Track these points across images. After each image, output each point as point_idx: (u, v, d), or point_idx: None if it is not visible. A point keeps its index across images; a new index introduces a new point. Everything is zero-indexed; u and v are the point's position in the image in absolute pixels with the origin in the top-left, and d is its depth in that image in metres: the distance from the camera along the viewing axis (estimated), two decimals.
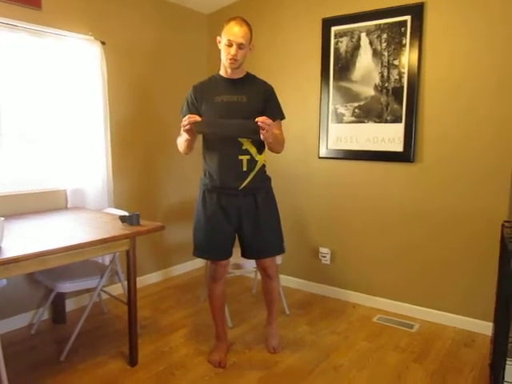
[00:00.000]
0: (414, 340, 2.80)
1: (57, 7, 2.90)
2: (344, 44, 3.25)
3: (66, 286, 2.53)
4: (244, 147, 2.29)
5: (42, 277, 2.60)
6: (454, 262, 2.96)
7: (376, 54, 3.11)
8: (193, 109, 2.35)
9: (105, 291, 2.90)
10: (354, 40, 3.20)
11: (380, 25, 3.06)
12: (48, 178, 3.04)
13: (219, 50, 2.30)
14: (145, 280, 3.66)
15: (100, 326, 2.96)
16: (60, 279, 2.52)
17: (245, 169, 2.31)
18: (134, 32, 3.46)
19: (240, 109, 2.27)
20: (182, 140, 2.33)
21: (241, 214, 2.38)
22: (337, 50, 3.29)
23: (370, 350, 2.68)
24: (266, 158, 2.41)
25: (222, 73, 2.37)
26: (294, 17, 3.51)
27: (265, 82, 2.42)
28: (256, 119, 2.08)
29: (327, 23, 3.31)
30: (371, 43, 3.12)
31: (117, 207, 3.15)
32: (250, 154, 2.30)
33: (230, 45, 2.22)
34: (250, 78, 2.39)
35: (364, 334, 2.88)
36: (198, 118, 2.16)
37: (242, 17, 2.28)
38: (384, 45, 3.07)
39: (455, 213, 2.92)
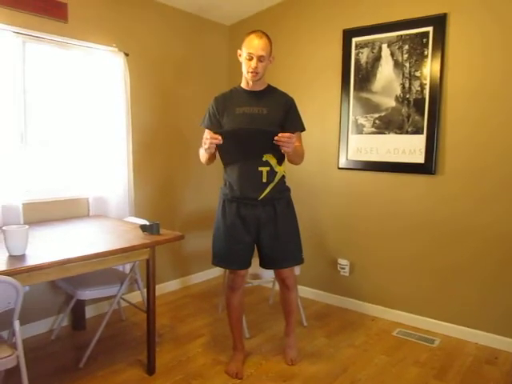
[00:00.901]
0: (435, 355, 2.75)
1: (82, 20, 2.97)
2: (365, 55, 3.24)
3: (86, 294, 2.56)
4: (264, 158, 2.29)
5: (63, 283, 2.64)
6: (476, 275, 2.90)
7: (397, 65, 3.09)
8: (214, 120, 2.38)
9: (124, 299, 2.92)
10: (375, 51, 3.19)
11: (402, 36, 3.05)
12: (71, 186, 3.10)
13: (240, 61, 2.34)
14: (163, 288, 3.68)
15: (118, 333, 2.98)
16: (80, 286, 2.55)
17: (264, 180, 2.31)
18: (157, 43, 3.52)
19: (260, 120, 2.29)
20: (203, 151, 2.36)
21: (260, 224, 2.39)
22: (357, 60, 3.28)
23: (388, 364, 2.64)
24: (285, 169, 2.41)
25: (243, 85, 2.39)
26: (314, 27, 3.52)
27: (285, 94, 2.43)
28: (275, 138, 2.12)
29: (348, 34, 3.31)
30: (392, 54, 3.11)
31: (137, 215, 3.19)
32: (270, 166, 2.31)
33: (250, 58, 2.25)
34: (271, 90, 2.41)
35: (383, 348, 2.84)
36: (219, 140, 2.16)
37: (261, 30, 2.30)
38: (405, 56, 3.05)
39: (476, 222, 2.86)
